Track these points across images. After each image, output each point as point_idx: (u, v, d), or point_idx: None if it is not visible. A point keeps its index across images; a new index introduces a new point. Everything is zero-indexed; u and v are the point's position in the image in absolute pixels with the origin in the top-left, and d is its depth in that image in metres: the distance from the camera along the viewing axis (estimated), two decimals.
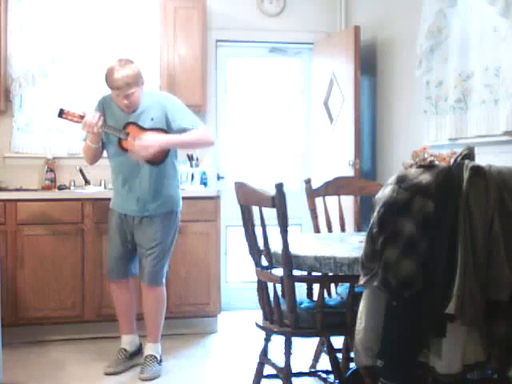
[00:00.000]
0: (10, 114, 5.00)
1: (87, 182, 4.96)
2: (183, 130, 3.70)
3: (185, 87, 4.96)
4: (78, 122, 3.71)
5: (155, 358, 3.84)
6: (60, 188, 4.92)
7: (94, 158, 3.87)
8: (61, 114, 3.73)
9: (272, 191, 2.65)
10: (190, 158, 5.09)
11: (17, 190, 4.80)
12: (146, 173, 3.72)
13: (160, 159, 3.72)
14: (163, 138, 3.67)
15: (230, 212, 5.00)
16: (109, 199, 4.55)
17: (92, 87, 5.08)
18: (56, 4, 4.96)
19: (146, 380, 3.73)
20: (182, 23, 5.04)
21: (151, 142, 3.61)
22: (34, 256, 4.43)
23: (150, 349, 3.86)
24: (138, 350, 4.00)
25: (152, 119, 3.70)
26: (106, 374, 3.82)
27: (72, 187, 4.97)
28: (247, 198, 2.86)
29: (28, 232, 4.42)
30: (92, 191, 4.73)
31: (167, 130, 3.72)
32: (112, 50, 5.08)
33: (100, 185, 5.01)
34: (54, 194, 4.68)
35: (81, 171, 4.94)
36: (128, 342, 3.96)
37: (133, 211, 3.80)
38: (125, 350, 3.94)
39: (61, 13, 4.97)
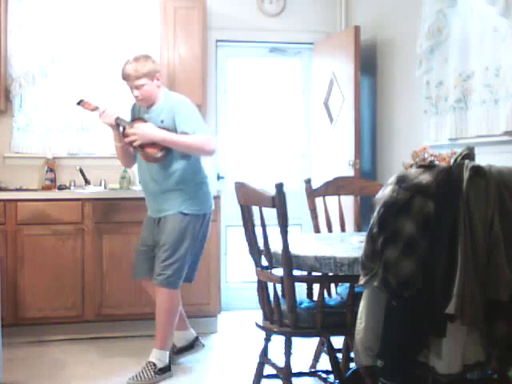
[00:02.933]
0: (10, 114, 5.00)
1: (87, 182, 4.96)
2: (184, 134, 3.69)
3: (185, 87, 4.95)
4: (93, 109, 3.87)
5: (152, 364, 3.72)
6: (60, 188, 4.92)
7: (124, 158, 3.94)
8: (80, 102, 3.92)
9: (272, 191, 2.65)
10: None
11: (17, 189, 4.81)
12: (154, 175, 3.76)
13: (160, 157, 3.69)
14: (158, 131, 3.68)
15: (230, 212, 5.00)
16: (109, 199, 4.58)
17: (92, 87, 5.09)
18: (56, 4, 4.96)
19: None
20: (182, 23, 5.04)
21: (143, 129, 3.68)
22: (34, 256, 4.43)
23: (151, 354, 3.77)
24: (190, 345, 4.05)
25: (162, 121, 3.73)
26: None
27: (72, 187, 4.97)
28: (247, 198, 2.86)
29: (28, 232, 4.42)
30: (92, 191, 4.73)
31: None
32: (112, 49, 5.10)
33: (100, 185, 5.01)
34: (54, 193, 4.68)
35: (81, 171, 4.95)
36: (176, 338, 3.99)
37: (151, 212, 3.88)
38: (174, 344, 3.97)
39: (61, 13, 4.97)
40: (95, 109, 3.85)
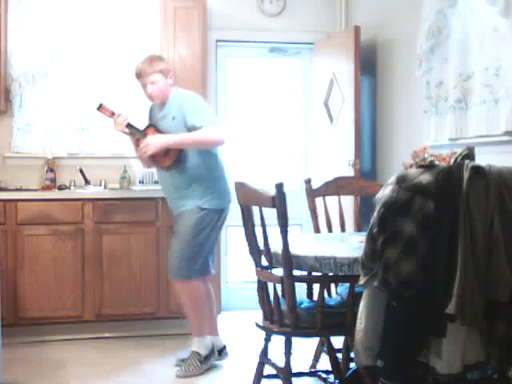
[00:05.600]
0: (10, 114, 5.00)
1: (87, 182, 4.96)
2: (193, 128, 3.71)
3: (185, 87, 4.91)
4: (109, 116, 3.87)
5: (197, 354, 3.81)
6: (60, 188, 4.92)
7: (144, 162, 3.98)
8: (99, 107, 3.88)
9: (272, 191, 2.65)
10: None
11: (17, 189, 4.81)
12: (171, 174, 3.83)
13: (171, 162, 3.76)
14: (164, 137, 3.71)
15: (230, 212, 4.99)
16: (109, 199, 4.58)
17: (92, 87, 5.09)
18: (56, 4, 4.96)
19: (179, 377, 3.75)
20: (182, 23, 5.04)
21: (149, 143, 3.70)
22: (34, 256, 4.43)
23: (192, 344, 3.87)
24: (213, 351, 3.93)
25: (173, 118, 3.77)
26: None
27: (72, 187, 4.97)
28: (247, 198, 2.86)
29: (28, 232, 4.42)
30: (92, 191, 4.73)
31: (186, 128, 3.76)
32: (112, 49, 5.10)
33: (100, 185, 5.01)
34: (54, 193, 4.68)
35: (81, 171, 4.94)
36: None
37: (172, 209, 3.96)
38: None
39: (61, 13, 4.97)
40: (112, 115, 3.85)
